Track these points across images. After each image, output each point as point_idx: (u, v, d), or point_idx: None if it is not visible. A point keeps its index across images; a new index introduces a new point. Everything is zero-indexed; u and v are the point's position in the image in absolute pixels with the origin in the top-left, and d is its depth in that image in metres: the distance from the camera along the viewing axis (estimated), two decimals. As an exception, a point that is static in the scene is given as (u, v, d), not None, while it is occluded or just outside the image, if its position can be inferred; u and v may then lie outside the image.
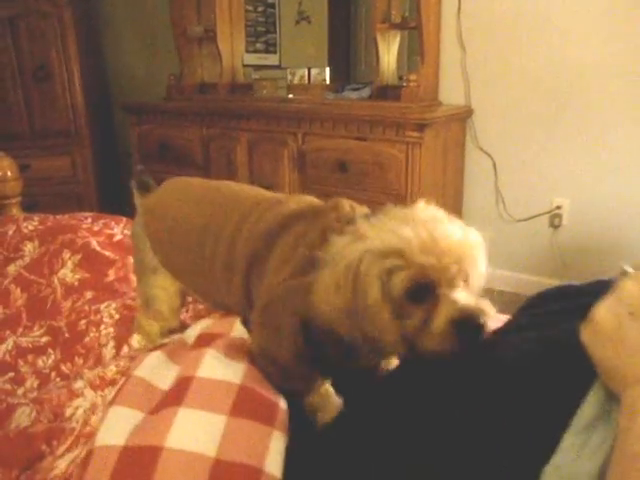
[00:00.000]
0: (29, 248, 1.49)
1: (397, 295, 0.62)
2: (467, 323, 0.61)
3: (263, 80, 3.10)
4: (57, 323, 1.22)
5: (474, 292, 0.66)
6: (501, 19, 2.47)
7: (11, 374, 1.09)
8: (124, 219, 1.66)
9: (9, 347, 1.17)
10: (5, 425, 0.88)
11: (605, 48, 2.28)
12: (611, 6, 2.23)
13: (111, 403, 0.74)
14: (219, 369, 0.74)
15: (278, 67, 3.41)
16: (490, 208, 2.69)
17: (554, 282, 2.49)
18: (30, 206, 2.16)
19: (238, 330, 0.85)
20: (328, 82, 3.04)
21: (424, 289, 0.63)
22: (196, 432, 0.65)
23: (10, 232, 1.57)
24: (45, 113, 3.31)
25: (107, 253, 1.42)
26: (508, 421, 0.56)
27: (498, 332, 0.82)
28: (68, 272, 1.37)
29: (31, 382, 1.06)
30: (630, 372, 0.49)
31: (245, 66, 3.26)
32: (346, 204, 0.78)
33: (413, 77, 2.43)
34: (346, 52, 3.34)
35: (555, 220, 2.52)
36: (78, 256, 1.40)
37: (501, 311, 0.80)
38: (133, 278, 1.32)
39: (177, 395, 0.70)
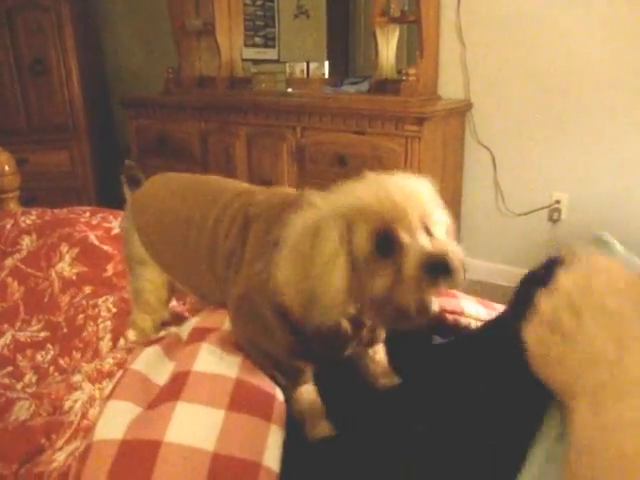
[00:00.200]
0: (27, 242, 1.48)
1: (363, 252, 0.62)
2: (437, 265, 0.60)
3: (262, 74, 3.09)
4: (56, 318, 1.22)
5: (437, 238, 0.65)
6: (500, 13, 2.46)
7: (10, 368, 1.09)
8: (122, 213, 1.66)
9: (7, 341, 1.17)
10: (4, 419, 0.88)
11: (605, 43, 2.27)
12: (611, 2, 2.22)
13: (109, 397, 0.74)
14: (215, 363, 0.74)
15: (277, 61, 3.40)
16: (489, 202, 2.69)
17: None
18: (28, 200, 2.16)
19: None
20: (327, 76, 3.03)
21: (389, 242, 0.62)
22: (194, 427, 0.65)
23: (8, 226, 1.56)
24: (43, 107, 3.31)
25: (105, 247, 1.42)
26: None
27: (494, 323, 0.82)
28: (66, 266, 1.36)
29: (30, 377, 1.06)
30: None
31: (244, 60, 3.25)
32: (314, 193, 0.77)
33: (412, 71, 2.43)
34: (345, 46, 3.33)
35: (554, 215, 2.52)
36: (76, 250, 1.39)
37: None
38: (131, 272, 1.32)
39: (174, 390, 0.70)
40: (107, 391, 0.78)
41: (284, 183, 2.63)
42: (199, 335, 0.81)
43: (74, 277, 1.33)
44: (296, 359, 0.75)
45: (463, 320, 0.98)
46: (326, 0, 3.26)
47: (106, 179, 3.54)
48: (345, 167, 2.42)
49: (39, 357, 1.13)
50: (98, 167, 3.50)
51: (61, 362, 1.09)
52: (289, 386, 0.76)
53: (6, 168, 1.87)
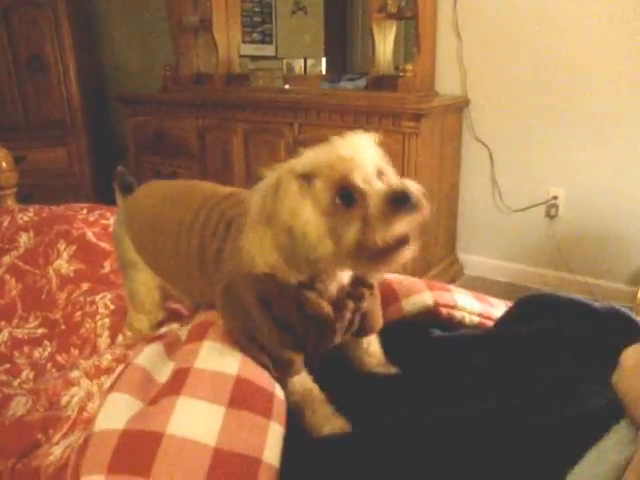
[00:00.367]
0: (24, 239, 1.48)
1: (327, 204, 0.65)
2: (399, 196, 0.64)
3: (259, 70, 3.09)
4: (53, 315, 1.22)
5: (392, 180, 0.70)
6: (497, 9, 2.46)
7: (7, 365, 1.10)
8: (114, 217, 1.66)
9: (4, 338, 1.18)
10: (1, 414, 0.89)
11: (602, 39, 2.27)
12: (608, -5, 2.22)
13: (110, 389, 0.75)
14: (216, 360, 0.75)
15: (274, 57, 3.39)
16: (486, 198, 2.69)
17: (550, 272, 2.52)
18: (26, 197, 2.16)
19: None
20: (324, 72, 3.02)
21: (349, 193, 0.65)
22: (196, 421, 0.66)
23: (5, 223, 1.56)
24: (40, 104, 3.30)
25: (103, 244, 1.42)
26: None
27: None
28: (63, 263, 1.36)
29: (27, 373, 1.07)
30: None
31: (241, 56, 3.25)
32: None
33: (409, 67, 2.42)
34: (342, 42, 3.32)
35: (551, 210, 2.53)
36: (73, 247, 1.40)
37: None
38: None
39: (176, 385, 0.70)
40: (108, 384, 0.79)
41: (282, 180, 2.62)
42: (198, 332, 0.82)
43: (71, 274, 1.33)
44: (285, 349, 0.76)
45: (457, 314, 0.99)
46: (323, -4, 3.26)
47: (103, 176, 3.54)
48: (342, 163, 2.42)
49: (36, 354, 1.13)
50: (95, 164, 3.49)
51: (58, 359, 1.09)
52: (281, 377, 0.76)
53: (3, 165, 1.87)
